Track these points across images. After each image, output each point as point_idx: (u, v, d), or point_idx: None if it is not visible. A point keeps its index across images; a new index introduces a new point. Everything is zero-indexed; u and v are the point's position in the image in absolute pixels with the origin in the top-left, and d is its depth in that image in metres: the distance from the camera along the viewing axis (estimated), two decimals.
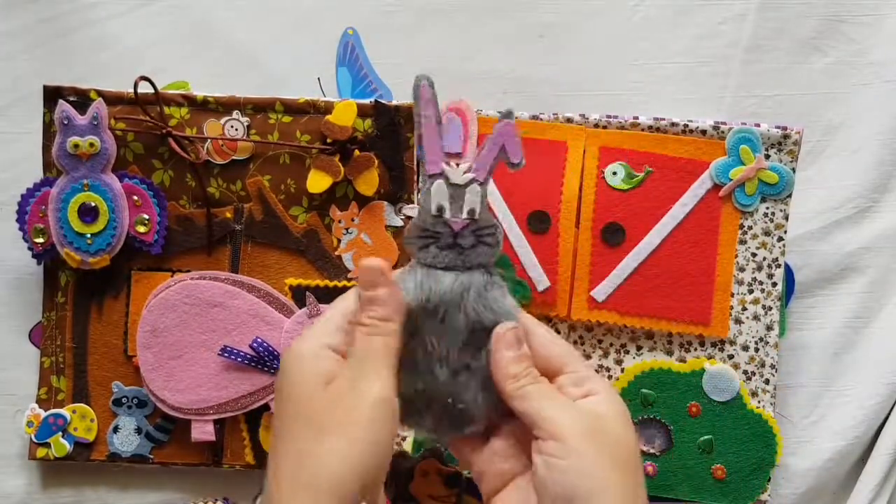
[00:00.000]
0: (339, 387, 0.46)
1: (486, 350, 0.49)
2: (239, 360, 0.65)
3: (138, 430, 0.67)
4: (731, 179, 0.65)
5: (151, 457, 0.67)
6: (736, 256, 0.66)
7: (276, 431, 0.46)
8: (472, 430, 0.50)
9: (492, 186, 0.66)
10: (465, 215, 0.50)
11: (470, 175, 0.50)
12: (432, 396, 0.50)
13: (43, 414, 0.67)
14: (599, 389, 0.48)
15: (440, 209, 0.50)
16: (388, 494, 0.64)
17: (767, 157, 0.65)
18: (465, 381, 0.50)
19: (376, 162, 0.66)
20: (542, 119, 0.66)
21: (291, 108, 0.66)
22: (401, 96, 0.69)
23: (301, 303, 0.66)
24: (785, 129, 0.65)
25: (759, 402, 0.65)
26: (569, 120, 0.66)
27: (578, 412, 0.47)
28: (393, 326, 0.47)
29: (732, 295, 0.66)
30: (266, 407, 0.66)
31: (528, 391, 0.47)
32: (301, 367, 0.47)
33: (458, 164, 0.50)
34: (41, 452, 0.67)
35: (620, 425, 0.47)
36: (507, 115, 0.51)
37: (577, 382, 0.48)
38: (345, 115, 0.65)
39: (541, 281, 0.65)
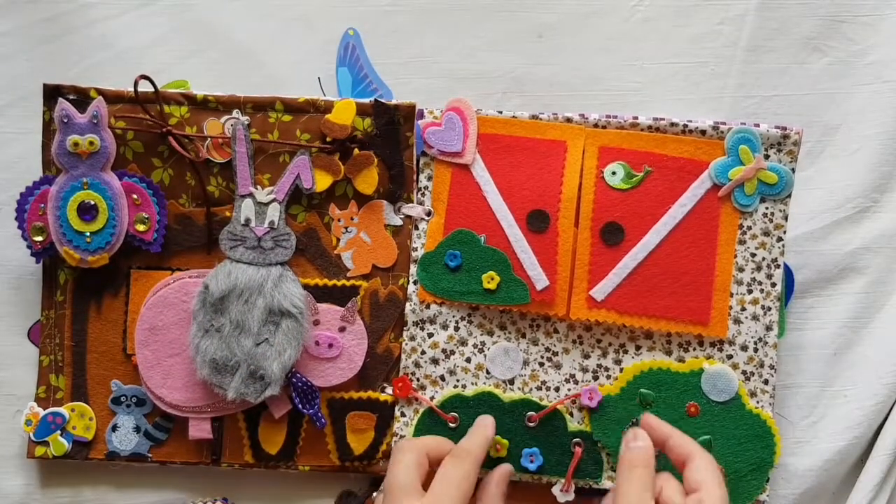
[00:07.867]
0: None
1: (280, 328, 0.62)
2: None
3: (137, 429, 0.67)
4: (730, 179, 0.65)
5: (150, 455, 0.67)
6: (735, 256, 0.66)
7: None
8: (270, 393, 0.62)
9: (492, 186, 0.66)
10: (266, 225, 0.63)
11: (272, 196, 0.64)
12: (238, 362, 0.62)
13: (41, 412, 0.67)
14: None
15: (248, 220, 0.64)
16: None
17: (767, 157, 0.65)
18: (264, 352, 0.62)
19: (376, 161, 0.66)
20: (541, 119, 0.66)
21: (291, 107, 0.66)
22: (401, 96, 0.69)
23: None
24: (784, 129, 0.65)
25: (757, 402, 0.65)
26: (568, 120, 0.66)
27: None
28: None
29: (731, 295, 0.65)
30: (264, 406, 0.66)
31: None
32: None
33: (263, 188, 0.64)
34: (40, 451, 0.67)
35: None
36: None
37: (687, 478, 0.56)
38: (344, 113, 0.65)
39: (540, 280, 0.65)
